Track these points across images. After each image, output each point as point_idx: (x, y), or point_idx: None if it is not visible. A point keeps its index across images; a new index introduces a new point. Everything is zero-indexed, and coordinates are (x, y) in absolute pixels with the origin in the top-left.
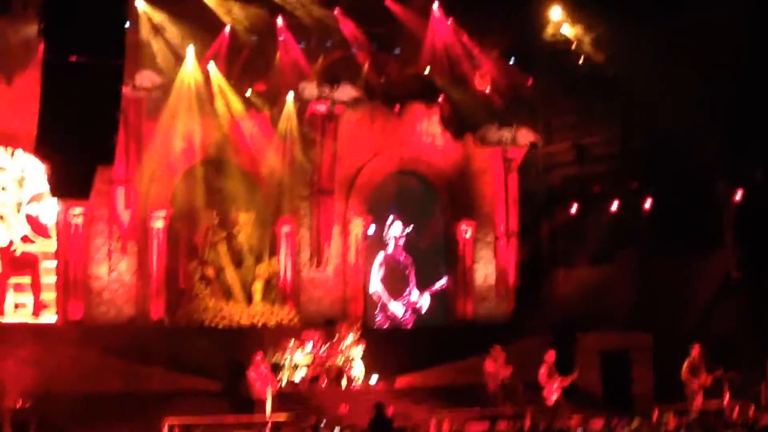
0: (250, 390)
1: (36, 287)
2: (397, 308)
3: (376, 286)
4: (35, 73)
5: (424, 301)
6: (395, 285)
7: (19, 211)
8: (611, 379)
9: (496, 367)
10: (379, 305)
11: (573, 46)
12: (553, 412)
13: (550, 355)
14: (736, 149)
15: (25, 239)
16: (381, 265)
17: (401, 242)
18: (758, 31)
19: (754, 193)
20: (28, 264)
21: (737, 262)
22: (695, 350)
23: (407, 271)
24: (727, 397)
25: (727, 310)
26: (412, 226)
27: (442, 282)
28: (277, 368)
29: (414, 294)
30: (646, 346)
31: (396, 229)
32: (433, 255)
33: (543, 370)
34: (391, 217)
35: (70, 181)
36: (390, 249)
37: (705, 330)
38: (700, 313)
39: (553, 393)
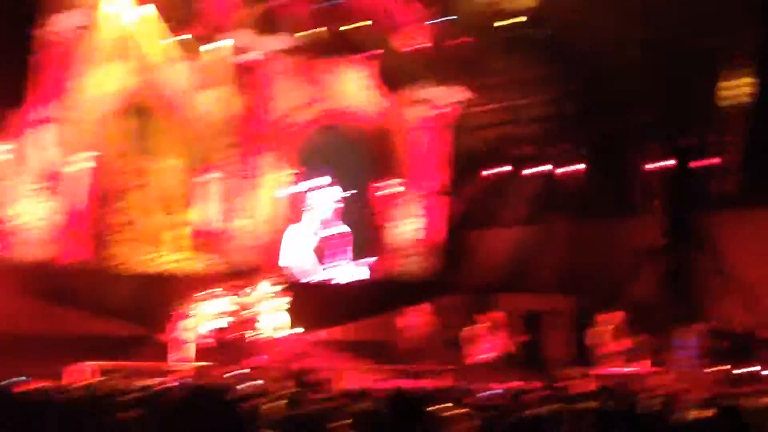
0: (173, 337)
1: None
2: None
3: (305, 255)
4: None
5: (358, 273)
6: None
7: None
8: (528, 341)
9: (418, 323)
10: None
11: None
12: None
13: (500, 314)
14: (668, 116)
15: None
16: (315, 233)
17: (334, 206)
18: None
19: (683, 160)
20: None
21: (659, 230)
22: (617, 315)
23: (343, 242)
24: (644, 362)
25: (646, 276)
26: (353, 191)
27: (369, 261)
28: (192, 317)
29: (348, 268)
30: (567, 309)
31: (331, 193)
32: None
33: (485, 325)
34: (322, 177)
35: None
36: (320, 213)
37: (626, 295)
38: (622, 279)
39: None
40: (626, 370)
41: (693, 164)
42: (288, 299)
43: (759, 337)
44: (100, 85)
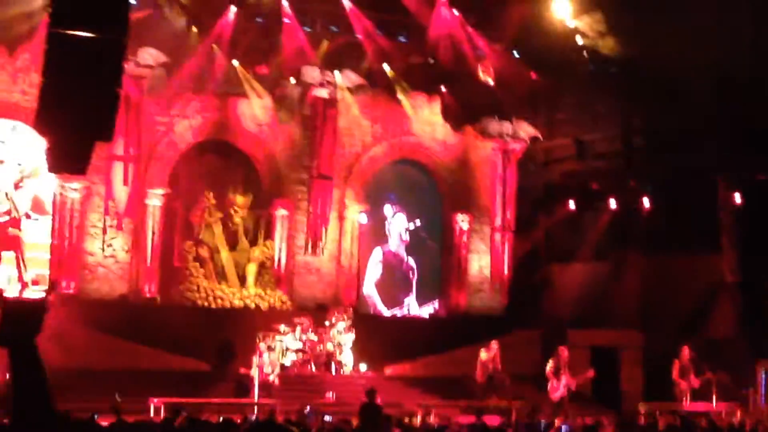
0: (246, 374)
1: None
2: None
3: (369, 289)
4: (37, 45)
5: (421, 312)
6: (392, 292)
7: (18, 187)
8: (601, 376)
9: (488, 359)
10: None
11: (579, 42)
12: (555, 409)
13: (563, 351)
14: (737, 151)
15: (9, 216)
16: (379, 262)
17: (405, 237)
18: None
19: (754, 196)
20: (12, 241)
21: (733, 266)
22: (685, 351)
23: (408, 277)
24: (714, 399)
25: (720, 312)
26: (418, 220)
27: (434, 305)
28: (268, 352)
29: (410, 307)
30: (637, 345)
31: (399, 222)
32: (429, 255)
33: (551, 365)
34: (392, 208)
35: (68, 156)
36: (393, 245)
37: (697, 332)
38: (692, 315)
39: (558, 389)
40: (699, 406)
41: (765, 199)
42: (357, 335)
43: None
44: (179, 121)
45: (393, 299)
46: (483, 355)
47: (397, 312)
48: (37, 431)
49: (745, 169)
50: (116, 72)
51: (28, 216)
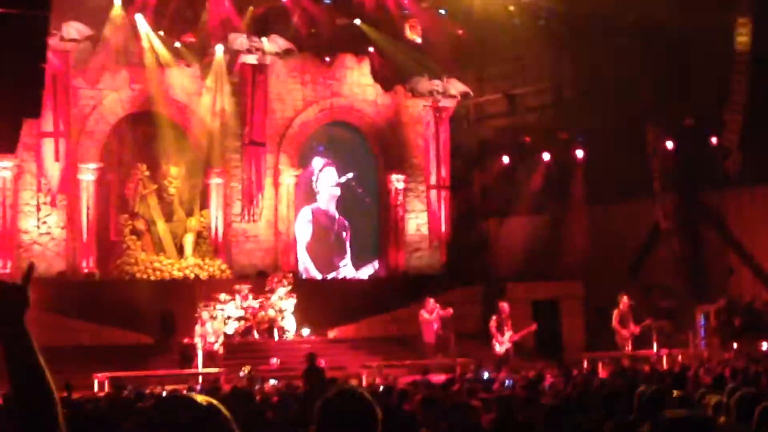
0: (190, 344)
1: None
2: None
3: (300, 252)
4: None
5: (358, 274)
6: (325, 254)
7: None
8: (542, 328)
9: (429, 318)
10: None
11: None
12: (499, 363)
13: (503, 306)
14: (666, 99)
15: None
16: (309, 222)
17: (336, 193)
18: None
19: (683, 143)
20: None
21: (668, 212)
22: (624, 299)
23: (342, 237)
24: (655, 345)
25: (657, 259)
26: (351, 174)
27: (374, 265)
28: (209, 321)
29: (347, 270)
30: (577, 296)
31: (329, 176)
32: (365, 215)
33: (494, 321)
34: (321, 161)
35: None
36: (322, 202)
37: (635, 279)
38: (631, 262)
39: (503, 344)
40: (640, 352)
41: (695, 145)
42: (298, 299)
43: None
44: (106, 94)
45: (327, 262)
46: (425, 315)
47: (334, 276)
48: (38, 413)
49: (674, 116)
50: (40, 47)
51: None
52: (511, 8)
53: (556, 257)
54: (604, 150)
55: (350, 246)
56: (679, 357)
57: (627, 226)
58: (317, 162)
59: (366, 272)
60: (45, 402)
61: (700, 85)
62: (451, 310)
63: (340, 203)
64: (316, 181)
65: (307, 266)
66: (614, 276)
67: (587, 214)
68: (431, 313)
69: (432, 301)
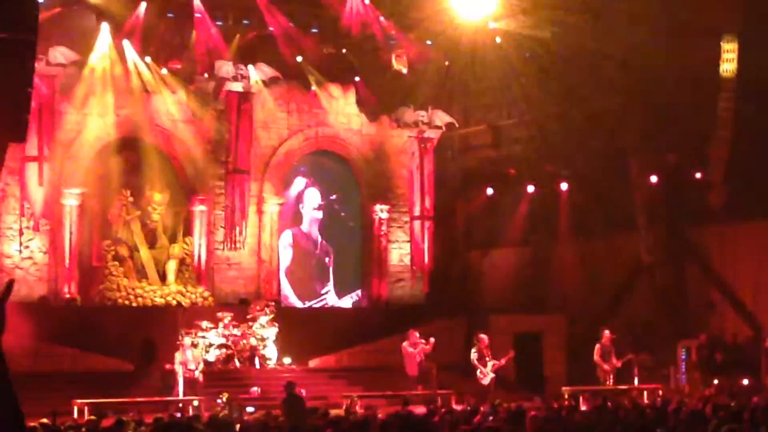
0: (170, 371)
1: None
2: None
3: (282, 281)
4: None
5: (341, 303)
6: (306, 280)
7: None
8: (524, 361)
9: (412, 351)
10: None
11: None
12: (482, 395)
13: (482, 337)
14: (649, 134)
15: None
16: (289, 246)
17: (318, 216)
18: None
19: (667, 177)
20: None
21: (650, 246)
22: (605, 333)
23: (324, 263)
24: (636, 379)
25: (639, 293)
26: (334, 196)
27: (356, 294)
28: (191, 349)
29: (329, 296)
30: (559, 329)
31: (311, 198)
32: (348, 243)
33: (475, 353)
34: (303, 181)
35: None
36: (305, 225)
37: (617, 313)
38: (613, 297)
39: (486, 375)
40: (620, 386)
41: (679, 179)
42: (277, 328)
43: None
44: (94, 118)
45: (309, 288)
46: (408, 348)
47: (315, 304)
48: None
49: (658, 150)
50: (27, 72)
51: None
52: (498, 40)
53: (539, 290)
54: (588, 183)
55: (333, 272)
56: (660, 392)
57: (610, 259)
58: (299, 182)
59: (348, 301)
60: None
61: (685, 119)
62: (432, 342)
63: (323, 228)
64: (298, 202)
65: (286, 293)
66: (596, 309)
67: (571, 247)
68: (415, 347)
69: (416, 334)
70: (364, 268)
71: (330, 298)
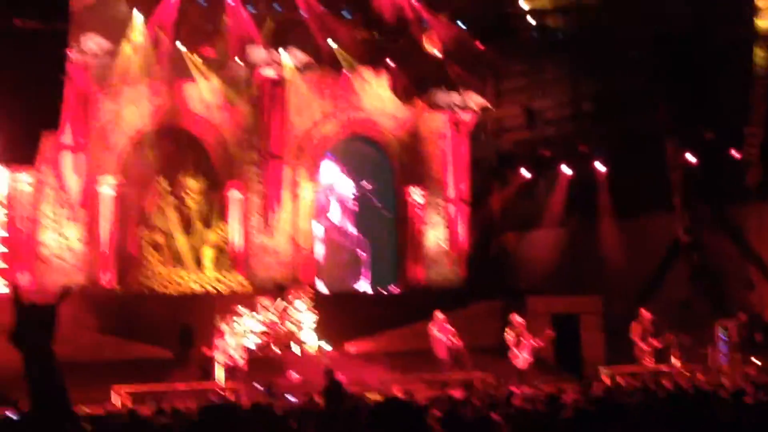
0: (209, 358)
1: None
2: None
3: (333, 268)
4: None
5: (386, 283)
6: (339, 274)
7: None
8: (562, 342)
9: (439, 333)
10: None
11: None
12: (519, 377)
13: (516, 318)
14: (685, 112)
15: None
16: (320, 241)
17: (351, 206)
18: None
19: (704, 156)
20: None
21: (686, 226)
22: (643, 314)
23: (358, 254)
24: (675, 360)
25: (677, 273)
26: (368, 184)
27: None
28: (229, 335)
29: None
30: (596, 310)
31: (344, 189)
32: (383, 229)
33: (510, 334)
34: (335, 169)
35: (17, 147)
36: (335, 217)
37: (655, 293)
38: (650, 276)
39: (521, 357)
40: (659, 367)
41: (716, 158)
42: (317, 313)
43: None
44: (128, 106)
45: (343, 286)
46: (434, 330)
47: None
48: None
49: (695, 128)
50: (60, 61)
51: None
52: (530, 21)
53: (576, 271)
54: (623, 163)
55: (368, 266)
56: (698, 372)
57: (647, 239)
58: (332, 170)
59: (390, 282)
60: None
61: (721, 98)
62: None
63: (357, 219)
64: (331, 192)
65: (334, 277)
66: (634, 289)
67: (608, 228)
68: (440, 328)
69: (440, 315)
70: (399, 253)
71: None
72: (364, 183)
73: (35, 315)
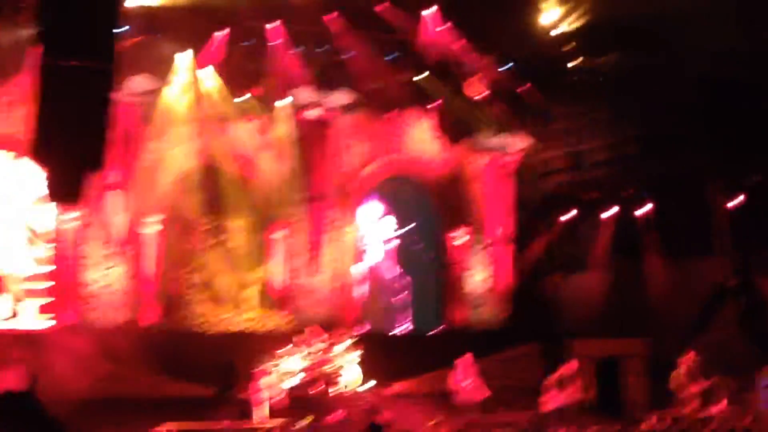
0: (248, 397)
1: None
2: None
3: (375, 307)
4: (29, 77)
5: (431, 324)
6: (384, 316)
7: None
8: (605, 385)
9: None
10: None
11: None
12: (563, 418)
13: (571, 364)
14: (731, 154)
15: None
16: (362, 281)
17: (394, 245)
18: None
19: (750, 198)
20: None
21: (731, 268)
22: (689, 357)
23: (402, 293)
24: (720, 404)
25: (722, 316)
26: (412, 224)
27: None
28: (272, 374)
29: (418, 319)
30: (641, 352)
31: (387, 228)
32: (426, 271)
33: (555, 375)
34: (378, 209)
35: (62, 185)
36: (377, 256)
37: (700, 336)
38: (695, 319)
39: (558, 399)
40: (703, 412)
41: (761, 200)
42: (361, 352)
43: None
44: (171, 147)
45: (387, 325)
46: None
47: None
48: None
49: (740, 170)
50: (106, 101)
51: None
52: (573, 64)
53: (621, 314)
54: (668, 205)
55: (410, 305)
56: (742, 416)
57: (693, 282)
58: (376, 210)
59: (434, 322)
60: None
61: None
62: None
63: (400, 259)
64: (374, 232)
65: (376, 317)
66: (678, 333)
67: (653, 270)
68: (464, 371)
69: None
70: (443, 294)
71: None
72: (410, 226)
73: (12, 404)
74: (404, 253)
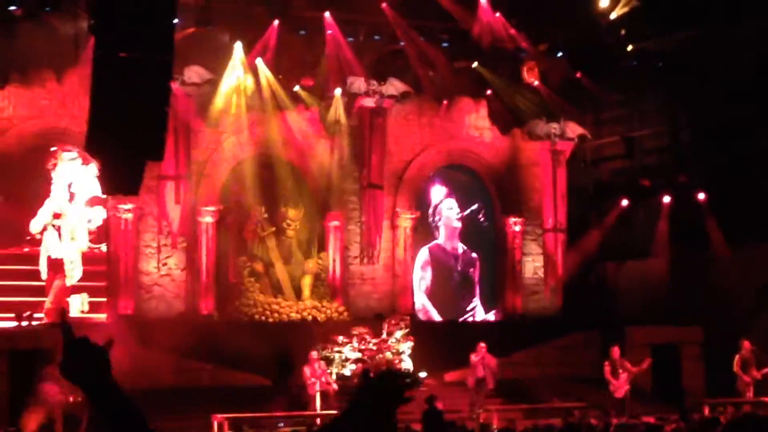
0: (303, 386)
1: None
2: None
3: (421, 298)
4: (85, 70)
5: (486, 316)
6: (450, 296)
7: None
8: (662, 373)
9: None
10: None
11: (622, 37)
12: (618, 408)
13: (614, 352)
14: None
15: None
16: (425, 266)
17: (458, 225)
18: None
19: None
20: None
21: None
22: (745, 345)
23: (469, 272)
24: None
25: None
26: (477, 205)
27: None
28: (327, 363)
29: (477, 311)
30: (697, 340)
31: (450, 209)
32: (488, 255)
33: (607, 367)
34: (441, 192)
35: (120, 177)
36: (442, 238)
37: (757, 323)
38: (751, 307)
39: (619, 388)
40: (762, 399)
41: None
42: (415, 342)
43: None
44: (227, 137)
45: (454, 307)
46: (473, 358)
47: (463, 320)
48: None
49: None
50: (164, 91)
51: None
52: (629, 49)
53: (676, 301)
54: (724, 192)
55: (479, 284)
56: None
57: (751, 269)
58: (437, 193)
59: (493, 315)
60: None
61: None
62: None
63: (466, 238)
64: (435, 214)
65: (428, 310)
66: (736, 320)
67: (709, 258)
68: (482, 358)
69: (481, 346)
70: (497, 281)
71: (478, 312)
72: (474, 207)
73: (86, 351)
74: (469, 238)
